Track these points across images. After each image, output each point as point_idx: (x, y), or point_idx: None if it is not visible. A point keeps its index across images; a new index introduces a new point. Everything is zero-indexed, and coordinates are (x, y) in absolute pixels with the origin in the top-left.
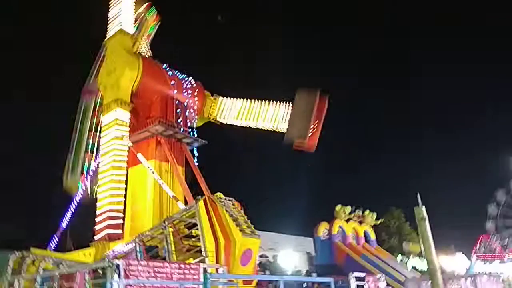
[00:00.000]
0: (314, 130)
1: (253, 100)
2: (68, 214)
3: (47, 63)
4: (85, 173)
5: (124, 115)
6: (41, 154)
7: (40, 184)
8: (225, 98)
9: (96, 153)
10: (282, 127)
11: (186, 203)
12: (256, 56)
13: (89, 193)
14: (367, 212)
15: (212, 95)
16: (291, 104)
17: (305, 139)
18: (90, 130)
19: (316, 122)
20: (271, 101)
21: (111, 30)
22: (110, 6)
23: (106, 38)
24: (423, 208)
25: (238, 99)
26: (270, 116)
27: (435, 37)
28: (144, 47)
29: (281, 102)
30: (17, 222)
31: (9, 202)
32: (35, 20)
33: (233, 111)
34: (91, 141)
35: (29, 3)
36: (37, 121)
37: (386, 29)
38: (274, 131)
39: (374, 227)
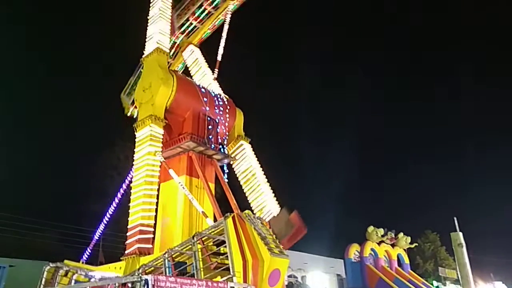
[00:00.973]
0: None
1: (259, 172)
2: (101, 227)
3: None
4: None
5: (157, 131)
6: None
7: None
8: (245, 144)
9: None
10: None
11: (215, 219)
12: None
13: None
14: (400, 234)
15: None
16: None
17: None
18: None
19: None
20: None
21: (148, 48)
22: (148, 24)
23: (143, 56)
24: (460, 234)
25: (252, 158)
26: (260, 202)
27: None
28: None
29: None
30: (51, 234)
31: (47, 214)
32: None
33: (241, 166)
34: None
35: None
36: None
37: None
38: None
39: (408, 250)
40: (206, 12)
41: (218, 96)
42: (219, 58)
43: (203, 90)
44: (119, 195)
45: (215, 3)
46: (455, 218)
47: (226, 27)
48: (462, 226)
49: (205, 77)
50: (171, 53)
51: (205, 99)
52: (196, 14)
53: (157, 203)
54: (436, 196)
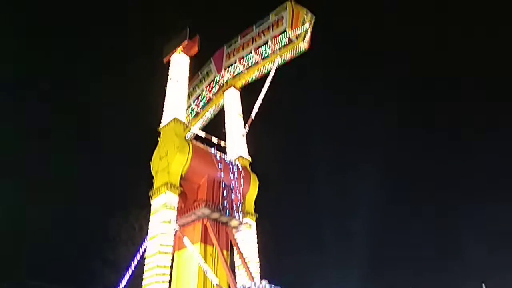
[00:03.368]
0: None
1: (253, 260)
2: None
3: None
4: None
5: (173, 198)
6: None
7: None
8: (248, 224)
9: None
10: None
11: None
12: None
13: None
14: None
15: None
16: None
17: None
18: (198, 96)
19: None
20: None
21: (166, 118)
22: (165, 96)
23: (161, 126)
24: None
25: (252, 244)
26: None
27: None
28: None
29: None
30: None
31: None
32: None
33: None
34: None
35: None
36: None
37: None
38: None
39: None
40: (253, 60)
41: (233, 162)
42: (252, 115)
43: (217, 157)
44: (132, 266)
45: (264, 53)
46: (483, 285)
47: (266, 85)
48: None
49: (234, 130)
50: (214, 90)
51: (219, 165)
52: (244, 60)
53: (171, 272)
54: (462, 255)
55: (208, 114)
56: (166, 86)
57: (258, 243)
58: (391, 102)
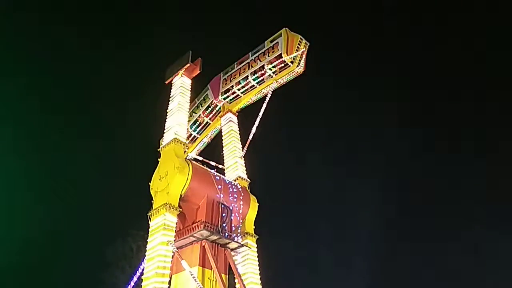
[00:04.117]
0: None
1: (254, 281)
2: None
3: None
4: None
5: (171, 219)
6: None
7: None
8: (249, 244)
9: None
10: None
11: None
12: None
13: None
14: None
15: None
16: None
17: None
18: (195, 122)
19: None
20: None
21: (166, 138)
22: (166, 117)
23: (161, 146)
24: None
25: (252, 265)
26: None
27: None
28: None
29: None
30: None
31: None
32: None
33: (239, 268)
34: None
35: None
36: None
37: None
38: None
39: None
40: (250, 84)
41: (232, 183)
42: (250, 137)
43: (217, 177)
44: None
45: (260, 78)
46: None
47: (264, 106)
48: None
49: (232, 153)
50: (211, 115)
51: (219, 186)
52: (241, 84)
53: None
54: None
55: (206, 139)
56: (167, 108)
57: (259, 265)
58: (391, 129)
